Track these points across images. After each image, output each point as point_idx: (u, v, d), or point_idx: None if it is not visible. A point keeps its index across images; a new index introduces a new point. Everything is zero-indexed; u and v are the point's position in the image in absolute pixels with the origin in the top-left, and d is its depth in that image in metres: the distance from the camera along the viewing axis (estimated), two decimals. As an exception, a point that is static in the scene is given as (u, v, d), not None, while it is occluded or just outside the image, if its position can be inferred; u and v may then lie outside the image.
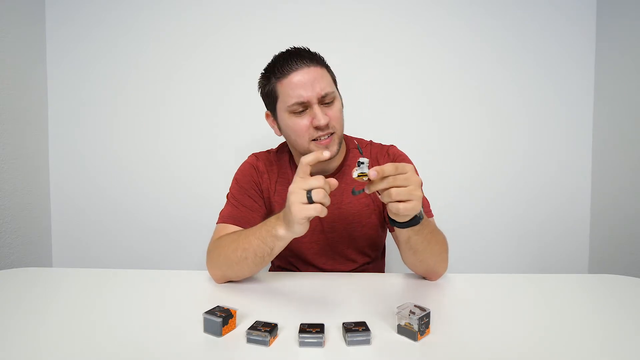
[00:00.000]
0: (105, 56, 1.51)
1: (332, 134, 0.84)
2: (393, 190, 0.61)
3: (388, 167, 0.61)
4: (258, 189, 0.95)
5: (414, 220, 0.68)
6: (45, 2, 1.49)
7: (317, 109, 0.81)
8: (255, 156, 1.00)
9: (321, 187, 0.65)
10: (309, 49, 0.86)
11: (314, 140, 0.84)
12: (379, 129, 1.47)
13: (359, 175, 0.63)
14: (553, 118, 1.55)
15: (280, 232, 0.70)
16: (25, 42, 1.40)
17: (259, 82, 0.89)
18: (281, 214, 0.72)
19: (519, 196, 1.57)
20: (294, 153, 0.96)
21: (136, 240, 1.56)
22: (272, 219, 0.74)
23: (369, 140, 1.03)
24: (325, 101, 0.83)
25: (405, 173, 0.62)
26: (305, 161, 0.67)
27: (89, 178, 1.54)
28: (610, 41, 1.47)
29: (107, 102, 1.52)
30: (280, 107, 0.85)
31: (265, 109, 0.92)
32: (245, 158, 1.01)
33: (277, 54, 0.86)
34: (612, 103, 1.47)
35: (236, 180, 0.96)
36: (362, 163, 0.63)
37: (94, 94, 1.52)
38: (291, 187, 0.66)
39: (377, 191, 0.64)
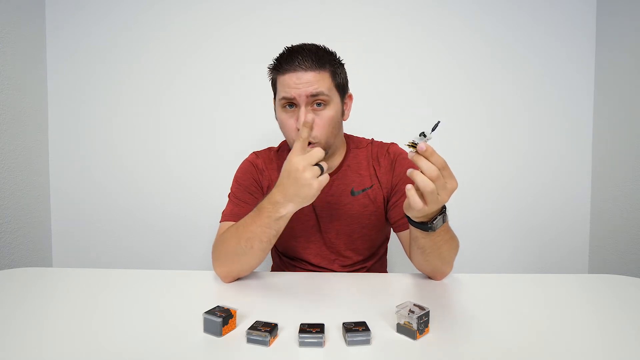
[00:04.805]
0: (105, 56, 1.51)
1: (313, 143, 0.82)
2: (428, 183, 0.61)
3: (440, 160, 0.61)
4: (258, 185, 0.96)
5: (424, 226, 0.69)
6: (45, 2, 1.49)
7: (302, 110, 0.81)
8: (256, 154, 1.01)
9: (323, 157, 0.69)
10: (317, 49, 0.85)
11: None
12: (378, 129, 1.47)
13: (409, 144, 0.62)
14: (553, 118, 1.55)
15: (282, 213, 0.71)
16: (25, 42, 1.40)
17: (268, 71, 0.90)
18: (276, 197, 0.71)
19: (519, 196, 1.57)
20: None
21: (136, 240, 1.56)
22: (266, 204, 0.73)
23: (370, 138, 1.03)
24: (315, 101, 0.82)
25: (448, 182, 0.62)
26: (302, 136, 0.69)
27: (89, 178, 1.54)
28: (610, 41, 1.47)
29: (107, 102, 1.52)
30: (277, 98, 0.87)
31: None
32: (246, 156, 1.02)
33: (286, 47, 0.86)
34: (612, 103, 1.47)
35: (236, 178, 0.98)
36: (424, 137, 0.61)
37: (94, 94, 1.52)
38: (300, 165, 0.67)
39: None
